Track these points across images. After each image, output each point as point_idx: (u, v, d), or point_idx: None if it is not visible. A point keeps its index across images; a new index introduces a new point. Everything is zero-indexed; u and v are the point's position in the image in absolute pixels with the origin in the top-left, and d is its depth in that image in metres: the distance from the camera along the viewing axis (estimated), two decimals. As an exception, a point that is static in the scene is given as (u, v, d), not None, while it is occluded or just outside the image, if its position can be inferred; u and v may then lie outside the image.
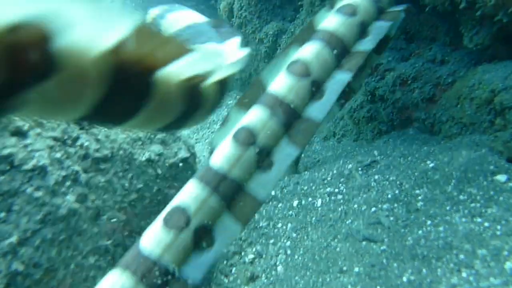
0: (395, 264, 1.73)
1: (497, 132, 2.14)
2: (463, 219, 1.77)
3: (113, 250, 1.54)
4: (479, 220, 1.72)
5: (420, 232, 1.83)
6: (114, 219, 1.54)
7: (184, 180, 2.03)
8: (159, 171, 1.81)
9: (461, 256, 1.57)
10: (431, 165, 2.25)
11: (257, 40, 4.85)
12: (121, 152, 1.69)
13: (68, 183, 1.43)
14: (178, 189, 1.95)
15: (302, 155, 3.27)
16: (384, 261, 1.77)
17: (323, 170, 2.92)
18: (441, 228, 1.78)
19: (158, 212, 1.84)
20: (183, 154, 1.94)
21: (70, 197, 1.39)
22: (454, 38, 2.64)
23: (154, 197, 1.76)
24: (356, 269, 1.84)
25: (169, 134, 1.95)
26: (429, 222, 1.88)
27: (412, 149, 2.65)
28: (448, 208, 1.91)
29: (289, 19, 4.63)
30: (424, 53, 2.81)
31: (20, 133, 1.22)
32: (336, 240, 2.11)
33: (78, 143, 1.57)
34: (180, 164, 1.92)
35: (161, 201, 1.81)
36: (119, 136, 1.72)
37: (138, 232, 1.70)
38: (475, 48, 2.37)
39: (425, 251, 1.68)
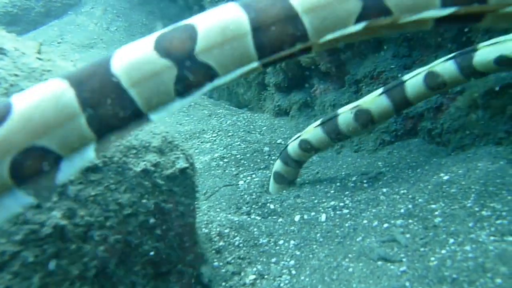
0: (419, 288, 1.56)
1: (515, 143, 2.03)
2: (491, 238, 1.63)
3: (111, 271, 1.32)
4: (510, 239, 1.58)
5: (443, 251, 1.68)
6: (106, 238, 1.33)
7: (182, 192, 1.82)
8: (156, 183, 1.60)
9: (498, 280, 1.41)
10: (446, 177, 2.11)
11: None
12: (114, 159, 1.47)
13: (54, 197, 1.20)
14: (175, 202, 1.75)
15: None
16: (407, 284, 1.60)
17: (324, 182, 2.75)
18: (467, 248, 1.63)
19: (154, 227, 1.63)
20: (181, 164, 1.74)
21: (57, 213, 1.17)
22: (461, 45, 2.54)
23: (150, 212, 1.55)
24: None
25: (166, 142, 1.75)
26: (451, 240, 1.73)
27: (420, 160, 2.52)
28: (471, 225, 1.76)
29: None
30: (429, 61, 2.70)
31: None
32: (347, 260, 1.93)
33: (65, 150, 1.35)
34: (178, 175, 1.71)
35: (158, 216, 1.59)
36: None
37: (133, 251, 1.48)
38: (487, 56, 2.26)
39: (454, 274, 1.52)
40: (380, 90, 2.24)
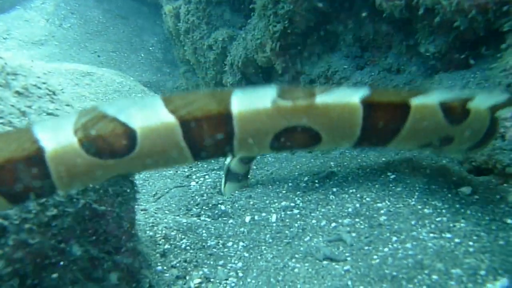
0: (361, 287, 1.54)
1: (457, 143, 2.07)
2: (431, 235, 1.64)
3: (20, 283, 1.20)
4: (448, 235, 1.59)
5: (386, 249, 1.67)
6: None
7: (119, 192, 1.72)
8: (88, 182, 1.49)
9: (434, 277, 1.42)
10: (392, 176, 2.13)
11: (205, 46, 4.63)
12: (37, 158, 1.35)
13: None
14: (111, 204, 1.64)
15: (254, 166, 3.06)
16: (349, 283, 1.58)
17: (277, 182, 2.71)
18: (408, 245, 1.63)
19: (84, 231, 1.52)
20: (118, 162, 1.64)
21: (-42, 216, 1.05)
22: (410, 46, 2.59)
23: (79, 214, 1.44)
24: (315, 299, 1.63)
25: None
26: (394, 238, 1.73)
27: (370, 160, 2.54)
28: (413, 222, 1.77)
29: (239, 26, 4.46)
30: (380, 62, 2.75)
31: None
32: (294, 260, 1.89)
33: (-23, 145, 1.22)
34: (115, 174, 1.61)
35: (89, 219, 1.49)
36: (36, 138, 1.39)
37: (57, 256, 1.36)
38: (431, 56, 2.31)
39: (394, 271, 1.52)
40: None
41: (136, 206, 1.82)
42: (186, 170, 3.21)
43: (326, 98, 0.91)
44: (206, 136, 0.89)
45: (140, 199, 2.27)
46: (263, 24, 3.26)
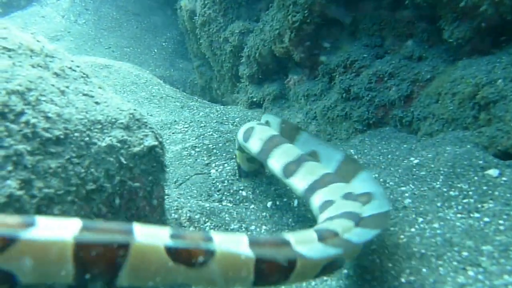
0: (389, 264, 1.56)
1: (481, 128, 2.08)
2: (459, 215, 1.65)
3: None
4: (477, 215, 1.60)
5: (412, 229, 1.69)
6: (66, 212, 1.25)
7: (150, 171, 1.76)
8: (122, 160, 1.53)
9: (464, 253, 1.43)
10: (415, 161, 2.14)
11: (221, 39, 4.66)
12: (76, 134, 1.40)
13: (9, 165, 1.12)
14: (143, 182, 1.68)
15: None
16: (377, 260, 1.60)
17: (297, 169, 2.73)
18: (436, 225, 1.64)
19: (119, 206, 1.56)
20: (150, 141, 1.67)
21: (12, 182, 1.09)
22: (431, 34, 2.59)
23: (115, 189, 1.48)
24: (345, 271, 1.66)
25: (133, 119, 1.68)
26: (420, 219, 1.74)
27: (390, 147, 2.55)
28: (439, 204, 1.78)
29: (255, 18, 4.48)
30: (401, 50, 2.75)
31: None
32: (319, 242, 1.91)
33: (23, 119, 1.27)
34: (146, 153, 1.65)
35: (124, 195, 1.53)
36: (73, 116, 1.43)
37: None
38: (455, 43, 2.31)
39: (422, 249, 1.53)
40: None
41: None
42: (205, 158, 3.25)
43: (349, 236, 1.29)
44: (272, 273, 1.06)
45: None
46: (282, 14, 3.27)
